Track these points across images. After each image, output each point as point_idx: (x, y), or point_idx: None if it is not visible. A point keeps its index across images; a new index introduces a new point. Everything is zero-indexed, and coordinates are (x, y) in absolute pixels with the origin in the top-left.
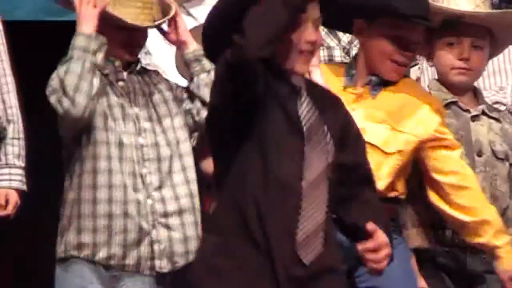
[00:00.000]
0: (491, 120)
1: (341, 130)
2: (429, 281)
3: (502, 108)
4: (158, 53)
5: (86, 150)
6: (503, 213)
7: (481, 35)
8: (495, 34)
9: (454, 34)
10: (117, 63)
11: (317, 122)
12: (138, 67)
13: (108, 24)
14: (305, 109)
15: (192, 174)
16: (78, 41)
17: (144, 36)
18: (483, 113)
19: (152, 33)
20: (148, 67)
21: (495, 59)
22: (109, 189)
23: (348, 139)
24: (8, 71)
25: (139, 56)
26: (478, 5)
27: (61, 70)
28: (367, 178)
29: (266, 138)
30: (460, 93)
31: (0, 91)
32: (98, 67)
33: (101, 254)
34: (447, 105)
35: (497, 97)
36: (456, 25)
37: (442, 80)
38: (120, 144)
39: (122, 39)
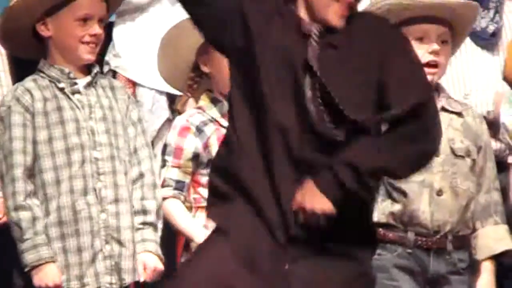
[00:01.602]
0: (452, 115)
1: (376, 69)
2: (393, 284)
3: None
4: (128, 55)
5: (37, 166)
6: (464, 210)
7: (445, 30)
8: (456, 29)
9: (424, 28)
10: (72, 74)
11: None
12: (96, 79)
13: (66, 17)
14: (313, 57)
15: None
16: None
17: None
18: (443, 109)
19: (122, 32)
20: (118, 70)
21: (458, 66)
22: (58, 211)
23: (387, 66)
24: (5, 81)
25: (107, 57)
26: None
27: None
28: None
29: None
30: None
31: None
32: (52, 79)
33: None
34: None
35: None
36: (422, 20)
37: None
38: (69, 160)
39: (81, 34)
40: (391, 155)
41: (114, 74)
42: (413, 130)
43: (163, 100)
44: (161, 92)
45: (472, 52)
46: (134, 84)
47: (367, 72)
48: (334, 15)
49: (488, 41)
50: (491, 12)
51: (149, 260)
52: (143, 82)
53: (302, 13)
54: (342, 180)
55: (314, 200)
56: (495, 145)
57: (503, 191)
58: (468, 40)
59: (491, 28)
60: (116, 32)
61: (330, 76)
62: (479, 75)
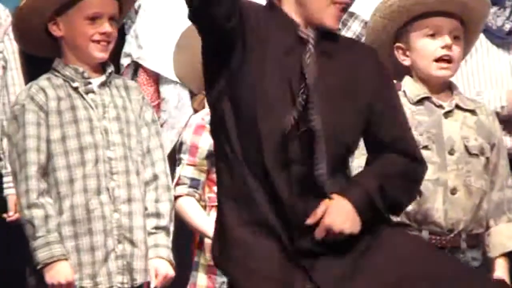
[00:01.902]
0: (466, 113)
1: (369, 84)
2: None
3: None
4: (150, 46)
5: (50, 165)
6: (477, 209)
7: (457, 26)
8: (468, 25)
9: (436, 24)
10: (86, 74)
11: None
12: (110, 78)
13: (75, 16)
14: (309, 63)
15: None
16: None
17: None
18: (457, 107)
19: (145, 22)
20: (140, 61)
21: (473, 64)
22: (71, 210)
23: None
24: (17, 80)
25: (128, 49)
26: None
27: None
28: (401, 150)
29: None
30: (437, 88)
31: (8, 99)
32: (66, 78)
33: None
34: (420, 101)
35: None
36: (434, 17)
37: (421, 75)
38: (82, 159)
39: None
40: (401, 197)
41: (136, 67)
42: (418, 175)
43: (187, 97)
44: (184, 88)
45: (487, 50)
46: (156, 83)
47: (358, 96)
48: (331, 18)
49: (504, 39)
50: (507, 11)
51: (161, 266)
52: (165, 73)
53: (294, 17)
54: (374, 201)
55: (345, 220)
56: (510, 141)
57: None
58: (483, 38)
59: (507, 27)
60: (140, 22)
61: (322, 89)
62: (494, 73)
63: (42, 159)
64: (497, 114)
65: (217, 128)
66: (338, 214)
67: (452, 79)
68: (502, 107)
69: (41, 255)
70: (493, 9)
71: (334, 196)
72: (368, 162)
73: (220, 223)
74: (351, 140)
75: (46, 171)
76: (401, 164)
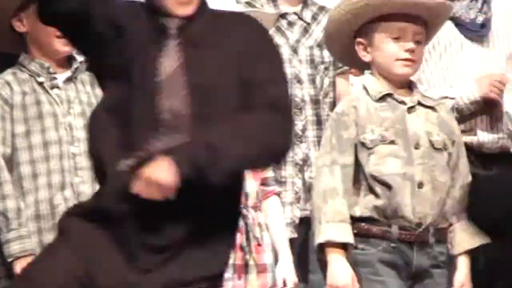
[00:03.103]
0: (428, 110)
1: (237, 51)
2: (378, 279)
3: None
4: None
5: (14, 159)
6: (443, 202)
7: (421, 29)
8: (430, 27)
9: (399, 26)
10: (51, 69)
11: (179, 68)
12: (76, 73)
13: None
14: (169, 53)
15: None
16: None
17: None
18: (419, 103)
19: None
20: None
21: (448, 59)
22: (36, 205)
23: (249, 58)
24: None
25: None
26: None
27: None
28: (265, 100)
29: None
30: (398, 85)
31: None
32: (31, 73)
33: None
34: (382, 98)
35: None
36: (399, 18)
37: (383, 73)
38: (46, 154)
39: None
40: (250, 147)
41: None
42: (273, 122)
43: None
44: None
45: (461, 44)
46: None
47: (230, 70)
48: (173, 4)
49: (477, 33)
50: (479, 3)
51: None
52: None
53: (158, 6)
54: (196, 159)
55: (162, 172)
56: (487, 136)
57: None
58: (457, 33)
59: (480, 19)
60: None
61: (189, 75)
62: (468, 67)
63: (7, 152)
64: (476, 105)
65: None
66: (159, 168)
67: (427, 74)
68: (476, 100)
69: (14, 248)
70: (466, 2)
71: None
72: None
73: None
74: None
75: (9, 165)
76: (262, 113)
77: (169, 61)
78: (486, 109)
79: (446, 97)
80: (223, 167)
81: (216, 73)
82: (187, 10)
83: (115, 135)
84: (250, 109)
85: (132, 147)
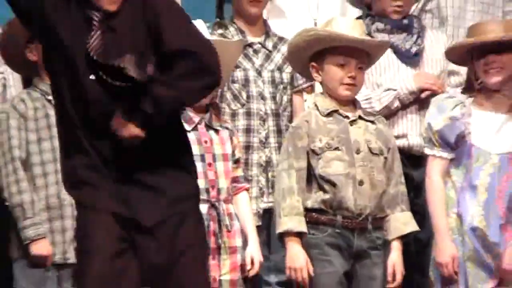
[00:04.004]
0: (367, 123)
1: (151, 30)
2: (326, 259)
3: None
4: None
5: (28, 162)
6: (380, 197)
7: (363, 58)
8: (371, 56)
9: (346, 56)
10: None
11: (106, 49)
12: None
13: None
14: (94, 40)
15: None
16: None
17: None
18: (360, 117)
19: None
20: None
21: (387, 76)
22: (46, 199)
23: (162, 32)
24: (12, 82)
25: None
26: (361, 34)
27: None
28: (181, 53)
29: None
30: (343, 103)
31: None
32: (42, 92)
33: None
34: (329, 113)
35: (365, 106)
36: (345, 50)
37: (330, 93)
38: (54, 157)
39: None
40: (179, 91)
41: None
42: (190, 69)
43: None
44: None
45: (398, 67)
46: None
47: (142, 40)
48: (105, 1)
49: (411, 59)
50: (414, 37)
51: None
52: None
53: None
54: (145, 109)
55: (124, 127)
56: (416, 139)
57: (419, 186)
58: (395, 58)
59: (414, 49)
60: None
61: (109, 54)
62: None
63: (23, 156)
64: (413, 95)
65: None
66: (118, 124)
67: (369, 90)
68: (414, 91)
69: (30, 232)
70: (403, 35)
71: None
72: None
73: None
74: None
75: (24, 167)
76: (181, 65)
77: (94, 44)
78: (421, 99)
79: (390, 89)
80: (164, 109)
81: (129, 51)
82: (112, 7)
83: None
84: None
85: (87, 121)
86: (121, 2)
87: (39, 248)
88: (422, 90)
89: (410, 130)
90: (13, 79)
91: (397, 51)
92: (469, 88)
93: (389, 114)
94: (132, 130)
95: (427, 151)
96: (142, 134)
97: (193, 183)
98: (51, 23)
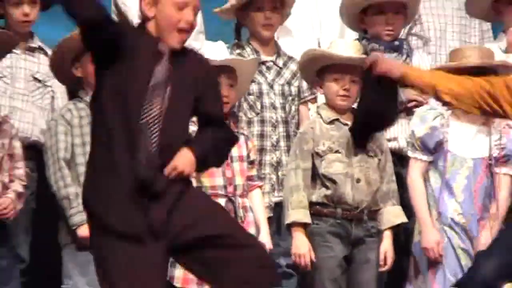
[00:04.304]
0: None
1: (200, 83)
2: (327, 245)
3: None
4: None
5: (73, 162)
6: (375, 193)
7: (356, 73)
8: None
9: (339, 72)
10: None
11: (167, 79)
12: None
13: (86, 61)
14: (160, 69)
15: None
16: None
17: None
18: None
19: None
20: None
21: None
22: None
23: (205, 89)
24: (62, 105)
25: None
26: (356, 53)
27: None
28: (215, 121)
29: (125, 85)
30: (342, 112)
31: None
32: (86, 104)
33: None
34: (331, 121)
35: None
36: (339, 67)
37: (329, 103)
38: None
39: None
40: (220, 151)
41: None
42: (223, 136)
43: None
44: None
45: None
46: None
47: (193, 91)
48: (175, 41)
49: None
50: (404, 56)
51: None
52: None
53: (154, 34)
54: (201, 154)
55: (187, 163)
56: (401, 142)
57: (403, 181)
58: None
59: None
60: None
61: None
62: None
63: (67, 157)
64: (404, 106)
65: (96, 114)
66: (183, 159)
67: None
68: (402, 102)
69: (76, 219)
70: (394, 54)
71: (182, 149)
72: (198, 132)
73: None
74: (185, 121)
75: (70, 166)
76: (218, 132)
77: (160, 74)
78: (409, 108)
79: None
80: (209, 160)
81: (186, 91)
82: (179, 46)
83: (119, 133)
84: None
85: (133, 145)
86: (184, 43)
87: (84, 231)
88: (410, 100)
89: (400, 134)
90: (60, 92)
91: None
92: None
93: None
94: (192, 168)
95: (409, 154)
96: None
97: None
98: (120, 50)
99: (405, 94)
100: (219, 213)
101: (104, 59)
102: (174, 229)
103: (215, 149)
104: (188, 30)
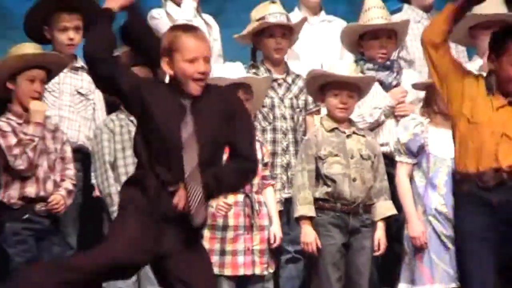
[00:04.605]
0: (359, 136)
1: (226, 117)
2: (329, 234)
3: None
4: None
5: (115, 166)
6: (369, 190)
7: (353, 90)
8: (361, 88)
9: (338, 89)
10: None
11: (193, 132)
12: None
13: None
14: (187, 122)
15: None
16: None
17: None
18: (354, 132)
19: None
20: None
21: (377, 100)
22: None
23: (233, 122)
24: (101, 116)
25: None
26: (351, 73)
27: None
28: (241, 154)
29: (152, 135)
30: (341, 121)
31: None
32: (127, 115)
33: None
34: (332, 130)
35: (359, 121)
36: (338, 84)
37: (330, 115)
38: (134, 161)
39: None
40: (233, 183)
41: None
42: (246, 168)
43: None
44: None
45: (384, 96)
46: None
47: (222, 125)
48: (193, 89)
49: (391, 88)
50: (395, 74)
51: None
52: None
53: (176, 86)
54: (208, 185)
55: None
56: (391, 146)
57: (393, 180)
58: (381, 89)
59: (394, 82)
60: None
61: (200, 130)
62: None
63: (111, 160)
64: (393, 110)
65: (136, 145)
66: (194, 192)
67: (362, 110)
68: (392, 106)
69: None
70: (386, 73)
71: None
72: (227, 160)
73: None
74: (218, 155)
75: (112, 168)
76: (240, 163)
77: (186, 127)
78: (397, 117)
79: (376, 107)
80: (221, 192)
81: (212, 135)
82: (197, 92)
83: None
84: (233, 158)
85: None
86: (204, 87)
87: None
88: (398, 103)
89: (391, 140)
90: (100, 104)
91: (382, 84)
92: (427, 107)
93: (376, 127)
94: (202, 213)
95: (396, 158)
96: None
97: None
98: (146, 104)
99: (392, 97)
100: (203, 273)
101: (126, 105)
102: (169, 247)
103: (228, 181)
104: (202, 78)
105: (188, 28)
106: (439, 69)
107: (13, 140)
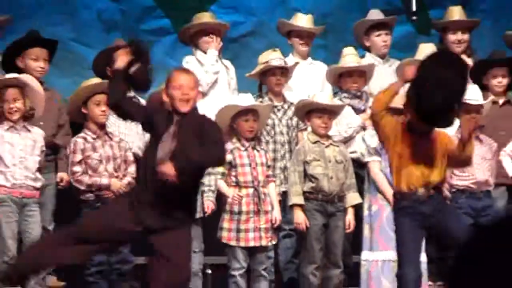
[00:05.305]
0: (335, 147)
1: (200, 131)
2: (313, 217)
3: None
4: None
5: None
6: (342, 185)
7: (331, 113)
8: (337, 112)
9: (320, 113)
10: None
11: (173, 133)
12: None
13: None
14: (171, 128)
15: None
16: None
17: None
18: (331, 144)
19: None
20: None
21: (347, 120)
22: None
23: (204, 129)
24: None
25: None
26: (330, 101)
27: None
28: (209, 142)
29: (153, 142)
30: (322, 136)
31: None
32: None
33: None
34: (315, 142)
35: (335, 134)
36: (320, 110)
37: (314, 131)
38: None
39: None
40: (197, 156)
41: None
42: (210, 148)
43: None
44: None
45: (354, 116)
46: None
47: (196, 132)
48: (181, 107)
49: (362, 112)
50: (364, 101)
51: None
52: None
53: (172, 107)
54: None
55: (168, 168)
56: (359, 153)
57: (362, 179)
58: (353, 111)
59: (363, 107)
60: None
61: (182, 138)
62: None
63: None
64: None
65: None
66: (166, 166)
67: (339, 127)
68: (363, 126)
69: None
70: (357, 100)
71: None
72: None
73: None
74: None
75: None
76: (207, 146)
77: (169, 130)
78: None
79: (351, 127)
80: (191, 167)
81: (186, 136)
82: (185, 110)
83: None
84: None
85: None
86: (191, 107)
87: None
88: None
89: (358, 148)
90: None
91: (354, 109)
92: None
93: (348, 140)
94: (170, 169)
95: (368, 158)
96: (175, 176)
97: (189, 216)
98: (154, 122)
99: (363, 119)
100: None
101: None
102: (150, 223)
103: (192, 152)
104: (186, 100)
105: (179, 68)
106: (381, 128)
107: (78, 157)
